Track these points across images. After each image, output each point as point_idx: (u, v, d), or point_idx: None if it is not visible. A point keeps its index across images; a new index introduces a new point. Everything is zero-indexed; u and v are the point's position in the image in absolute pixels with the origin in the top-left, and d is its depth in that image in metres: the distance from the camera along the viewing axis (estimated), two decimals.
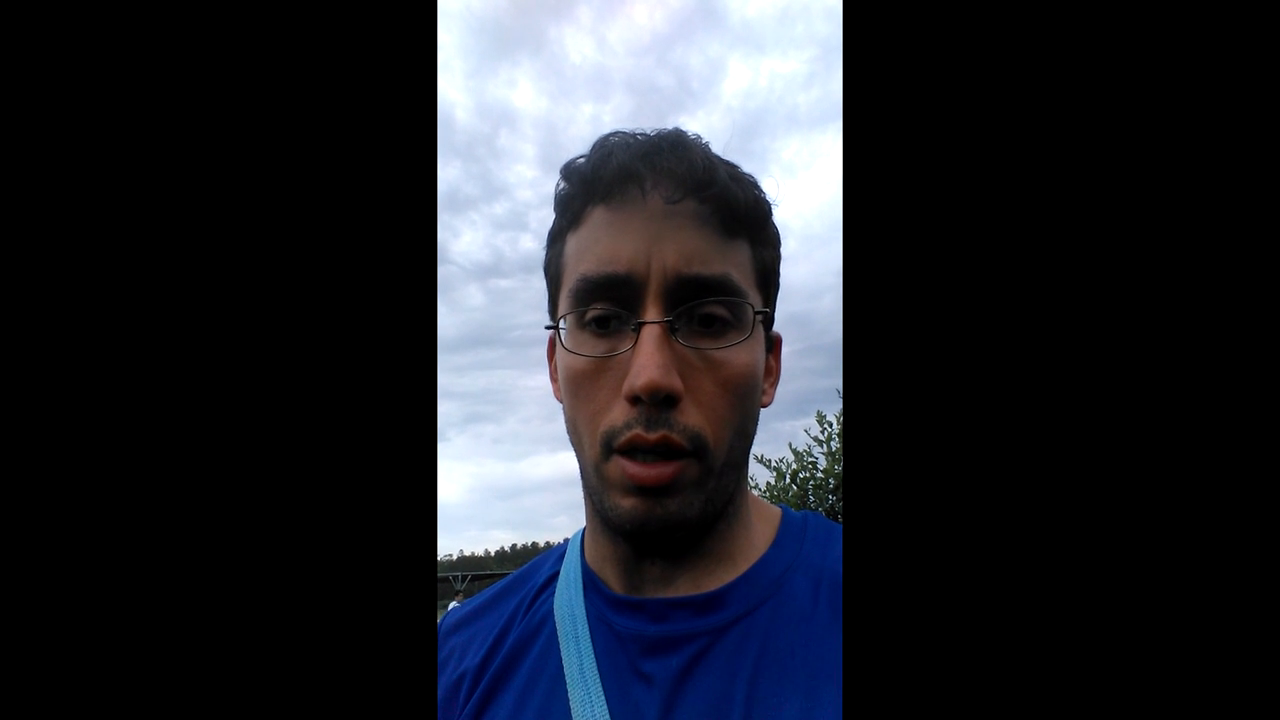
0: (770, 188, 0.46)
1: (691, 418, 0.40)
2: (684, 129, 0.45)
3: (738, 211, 0.42)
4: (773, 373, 0.48)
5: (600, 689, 0.41)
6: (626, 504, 0.40)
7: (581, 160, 0.45)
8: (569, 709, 0.41)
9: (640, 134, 0.44)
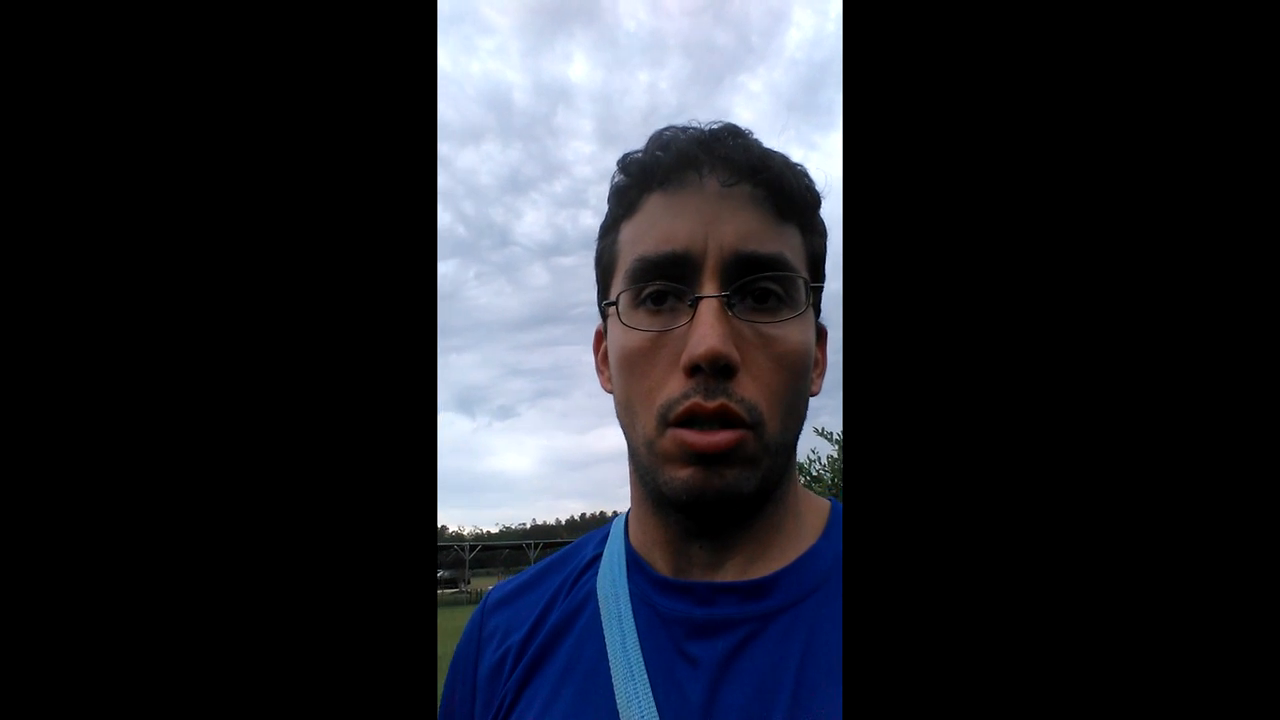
0: (819, 179, 0.47)
1: (748, 390, 0.40)
2: (736, 123, 0.47)
3: (791, 196, 0.44)
4: (820, 364, 0.48)
5: (643, 667, 0.42)
6: (683, 474, 0.40)
7: (639, 153, 0.46)
8: (610, 687, 0.42)
9: (695, 127, 0.46)
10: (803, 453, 3.70)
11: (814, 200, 0.46)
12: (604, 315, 0.48)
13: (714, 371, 0.39)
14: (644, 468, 0.43)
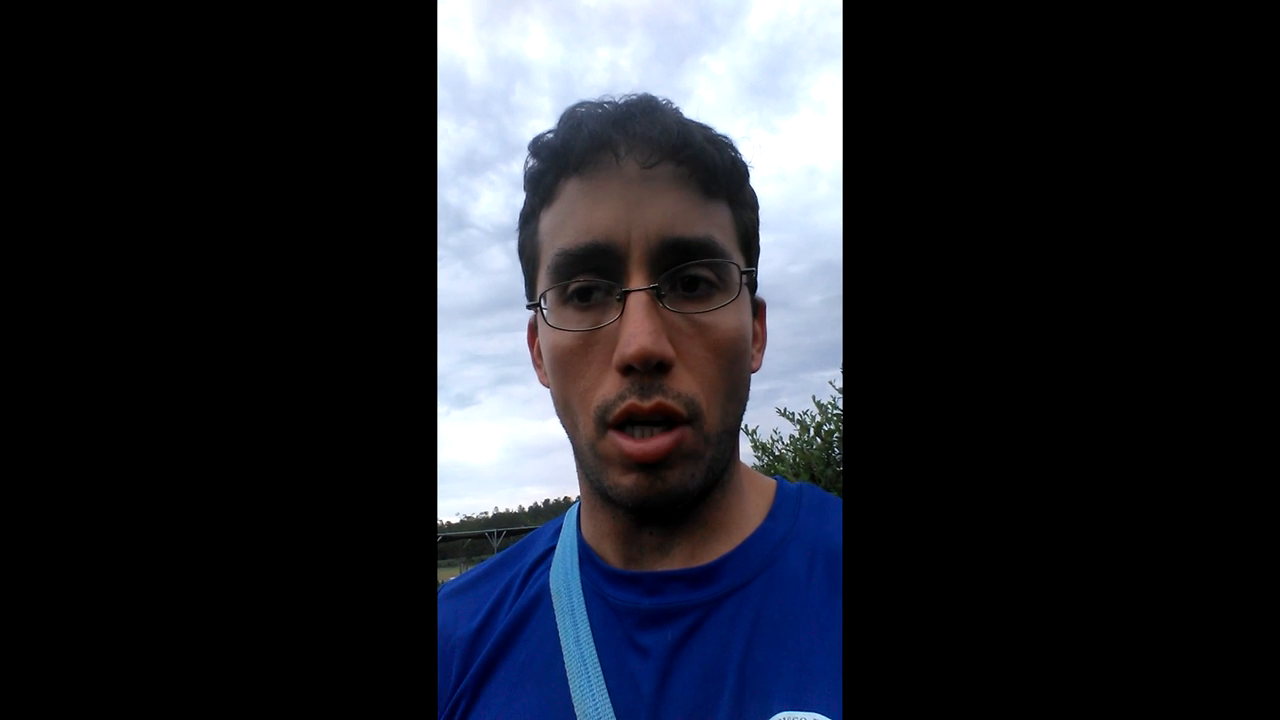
0: (747, 150, 0.46)
1: (685, 384, 0.40)
2: (654, 95, 0.44)
3: (716, 172, 0.42)
4: (759, 338, 0.48)
5: (597, 662, 0.42)
6: (627, 481, 0.40)
7: (550, 135, 0.43)
8: (566, 682, 0.42)
9: (609, 102, 0.43)
10: (766, 433, 3.76)
11: (741, 172, 0.44)
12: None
13: (647, 370, 0.38)
14: (589, 467, 0.43)
